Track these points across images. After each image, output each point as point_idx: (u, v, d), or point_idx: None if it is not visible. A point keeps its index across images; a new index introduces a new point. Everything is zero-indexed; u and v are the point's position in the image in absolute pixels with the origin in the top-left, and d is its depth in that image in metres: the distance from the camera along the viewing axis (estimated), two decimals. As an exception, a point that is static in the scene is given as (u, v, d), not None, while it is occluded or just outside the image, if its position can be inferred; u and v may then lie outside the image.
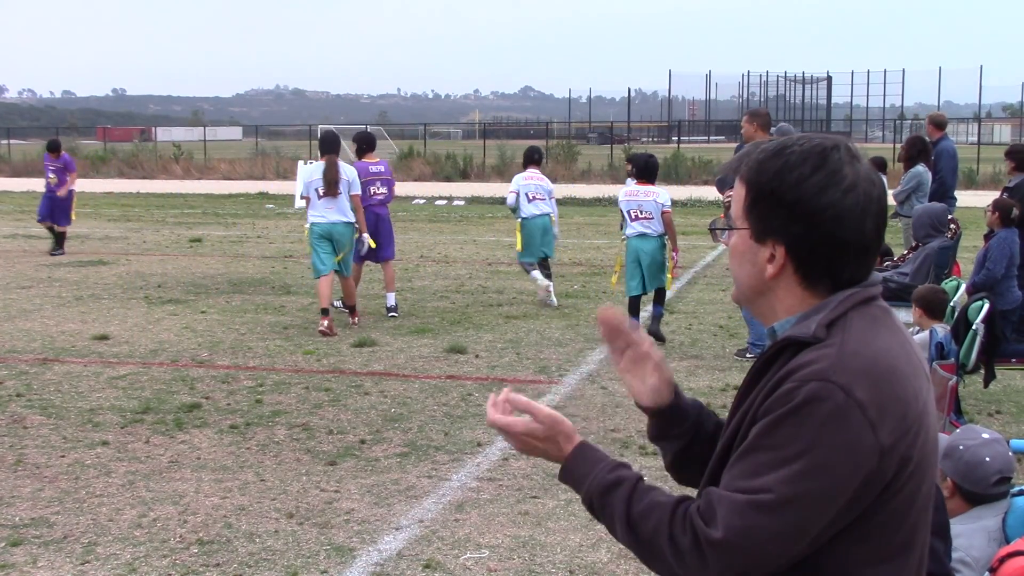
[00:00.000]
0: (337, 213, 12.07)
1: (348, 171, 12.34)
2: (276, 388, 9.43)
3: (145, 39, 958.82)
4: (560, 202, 16.40)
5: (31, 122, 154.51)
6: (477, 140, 59.47)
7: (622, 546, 2.21)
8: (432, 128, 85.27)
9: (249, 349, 11.10)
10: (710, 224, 2.24)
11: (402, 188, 17.10)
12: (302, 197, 13.08)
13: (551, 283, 13.88)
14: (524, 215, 13.87)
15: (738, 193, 2.16)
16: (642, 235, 11.46)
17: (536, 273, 13.81)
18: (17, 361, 10.47)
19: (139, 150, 54.92)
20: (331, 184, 11.98)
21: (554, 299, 13.75)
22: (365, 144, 13.51)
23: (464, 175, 44.53)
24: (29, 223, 26.33)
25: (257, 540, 5.94)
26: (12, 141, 67.43)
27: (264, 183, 42.21)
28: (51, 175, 20.43)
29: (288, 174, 42.83)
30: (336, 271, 12.19)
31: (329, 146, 12.45)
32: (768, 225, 2.09)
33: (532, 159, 14.41)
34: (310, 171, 12.50)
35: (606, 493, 2.14)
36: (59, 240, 19.92)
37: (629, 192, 11.80)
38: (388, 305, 13.07)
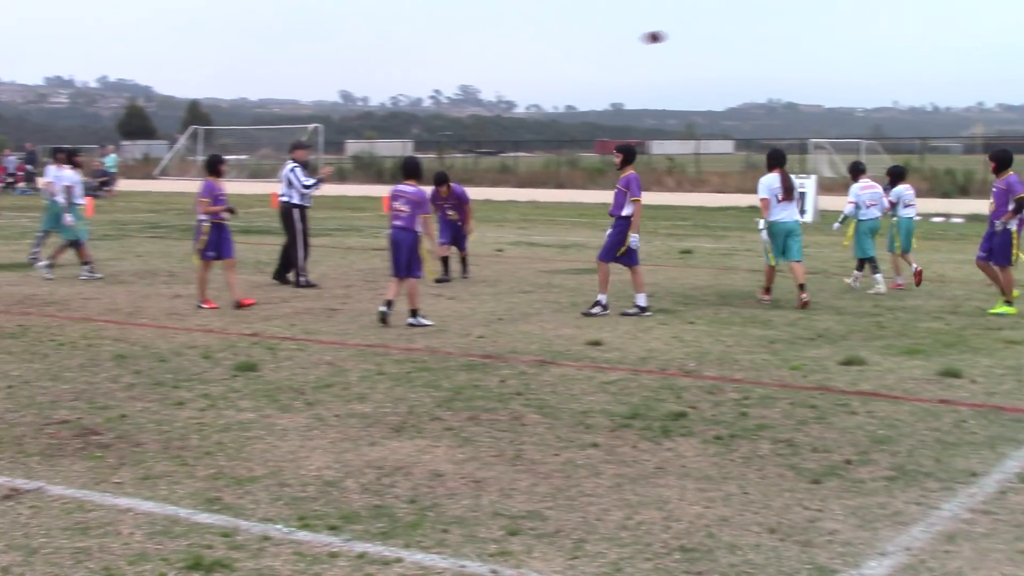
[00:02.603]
0: (793, 214, 15.22)
1: (795, 180, 15.59)
2: (761, 402, 9.42)
3: (640, 57, 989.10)
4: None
5: (536, 136, 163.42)
6: (979, 155, 56.45)
7: None
8: (930, 142, 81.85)
9: (735, 361, 11.16)
10: None
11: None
12: (761, 199, 15.48)
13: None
14: (860, 218, 16.94)
15: None
16: None
17: (879, 276, 16.55)
18: (518, 361, 11.11)
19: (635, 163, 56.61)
20: (788, 190, 15.11)
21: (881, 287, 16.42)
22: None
23: (963, 191, 42.46)
24: (532, 231, 27.90)
25: (738, 552, 5.96)
26: (519, 154, 71.74)
27: (754, 197, 42.25)
28: (450, 211, 18.20)
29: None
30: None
31: (778, 160, 15.42)
32: None
33: (861, 170, 17.51)
34: (769, 180, 15.20)
35: None
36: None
37: None
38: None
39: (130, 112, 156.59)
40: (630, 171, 14.36)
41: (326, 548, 5.92)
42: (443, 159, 66.09)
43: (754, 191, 16.14)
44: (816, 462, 7.67)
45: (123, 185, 52.94)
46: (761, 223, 15.37)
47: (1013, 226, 14.34)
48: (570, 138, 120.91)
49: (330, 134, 79.49)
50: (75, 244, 18.24)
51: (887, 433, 8.41)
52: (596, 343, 12.05)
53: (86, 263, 18.04)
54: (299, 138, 16.79)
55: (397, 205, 13.33)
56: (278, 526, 6.26)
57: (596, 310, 14.14)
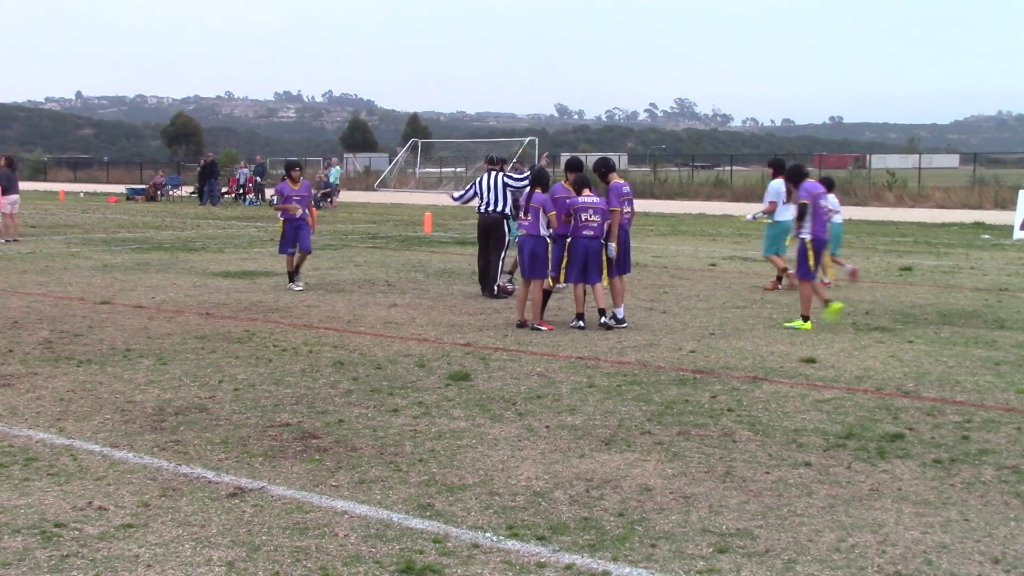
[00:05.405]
0: (789, 214, 16.91)
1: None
2: (984, 426, 9.06)
3: (862, 68, 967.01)
4: None
5: (752, 149, 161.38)
6: None
7: None
8: None
9: (957, 383, 10.77)
10: None
11: None
12: (770, 202, 17.94)
13: None
14: None
15: None
16: None
17: None
18: (729, 377, 10.98)
19: (853, 177, 55.38)
20: (790, 194, 16.51)
21: None
22: (604, 168, 14.87)
23: None
24: (746, 246, 27.55)
25: (958, 581, 5.75)
26: (734, 168, 71.01)
27: (980, 213, 40.76)
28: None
29: (1008, 204, 40.96)
30: None
31: (782, 169, 17.60)
32: None
33: None
34: (777, 185, 17.74)
35: None
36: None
37: None
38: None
39: (353, 125, 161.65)
40: (614, 181, 14.43)
41: (534, 558, 5.97)
42: (657, 172, 65.93)
43: (980, 207, 15.67)
44: (1043, 490, 7.33)
45: (345, 196, 54.65)
46: (751, 215, 19.36)
47: None
48: (787, 152, 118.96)
49: (545, 147, 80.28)
50: None
51: (1122, 463, 7.98)
52: (810, 360, 11.81)
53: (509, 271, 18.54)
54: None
55: (587, 216, 13.76)
56: (488, 534, 6.35)
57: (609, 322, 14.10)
